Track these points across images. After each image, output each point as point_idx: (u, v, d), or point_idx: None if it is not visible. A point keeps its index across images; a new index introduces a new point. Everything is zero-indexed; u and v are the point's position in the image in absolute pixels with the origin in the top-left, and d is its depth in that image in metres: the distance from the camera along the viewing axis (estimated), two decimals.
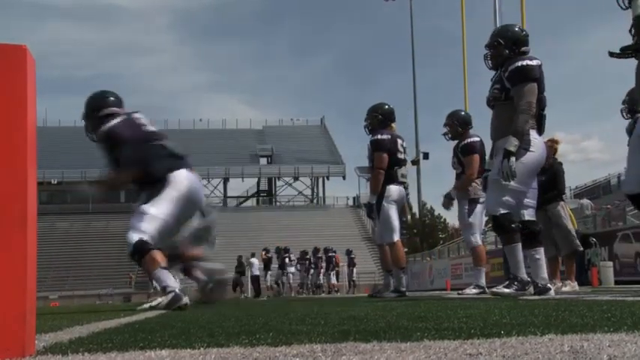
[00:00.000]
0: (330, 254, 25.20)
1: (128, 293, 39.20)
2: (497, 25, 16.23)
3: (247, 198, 63.21)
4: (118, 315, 3.93)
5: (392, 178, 6.74)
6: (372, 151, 6.94)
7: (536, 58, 4.64)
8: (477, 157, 6.83)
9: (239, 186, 62.84)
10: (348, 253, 26.82)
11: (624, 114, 6.35)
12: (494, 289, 5.03)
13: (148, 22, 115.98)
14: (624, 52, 4.43)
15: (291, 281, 25.02)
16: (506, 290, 4.76)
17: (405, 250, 8.21)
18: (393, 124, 7.14)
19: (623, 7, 4.68)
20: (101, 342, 1.69)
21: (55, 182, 53.09)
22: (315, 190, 61.69)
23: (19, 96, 1.36)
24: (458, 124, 6.96)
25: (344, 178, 60.75)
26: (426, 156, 38.46)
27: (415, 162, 39.54)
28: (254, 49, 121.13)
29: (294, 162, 59.52)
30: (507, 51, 4.75)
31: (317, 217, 51.92)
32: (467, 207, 6.83)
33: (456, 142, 6.99)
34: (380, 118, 7.02)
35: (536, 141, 4.55)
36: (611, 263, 10.87)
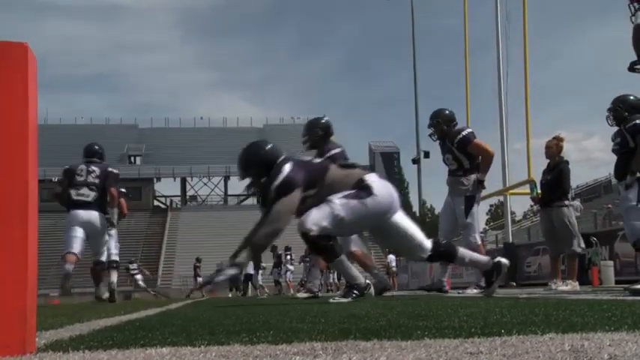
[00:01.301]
0: None
1: (129, 291, 39.18)
2: (499, 23, 16.24)
3: (248, 196, 63.00)
4: (118, 312, 3.93)
5: None
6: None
7: None
8: (478, 140, 6.84)
9: (240, 184, 62.80)
10: None
11: (609, 121, 6.36)
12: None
13: (151, 21, 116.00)
14: (636, 67, 4.37)
15: (291, 279, 25.03)
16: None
17: None
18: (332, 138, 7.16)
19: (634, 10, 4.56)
20: (102, 339, 1.69)
21: (56, 180, 53.08)
22: None
23: (19, 94, 1.36)
24: (442, 123, 6.97)
25: None
26: (426, 154, 38.31)
27: (416, 161, 39.48)
28: (255, 47, 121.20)
29: None
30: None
31: None
32: (463, 205, 6.83)
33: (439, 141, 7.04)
34: (320, 134, 7.10)
35: None
36: (611, 263, 10.88)
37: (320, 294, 8.00)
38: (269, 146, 4.78)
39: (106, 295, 8.59)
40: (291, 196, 4.41)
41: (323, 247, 4.50)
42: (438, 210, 62.93)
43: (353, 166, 4.86)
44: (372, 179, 4.59)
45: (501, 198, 19.55)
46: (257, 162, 4.64)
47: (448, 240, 7.11)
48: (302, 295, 7.10)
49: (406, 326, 1.80)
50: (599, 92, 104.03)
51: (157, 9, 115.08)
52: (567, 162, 7.42)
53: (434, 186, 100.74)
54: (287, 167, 4.53)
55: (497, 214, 52.97)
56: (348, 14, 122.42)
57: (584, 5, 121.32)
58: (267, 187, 4.50)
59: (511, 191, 15.55)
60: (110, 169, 8.17)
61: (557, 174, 7.23)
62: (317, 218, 4.37)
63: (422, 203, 49.17)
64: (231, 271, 4.34)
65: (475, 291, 6.74)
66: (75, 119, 63.35)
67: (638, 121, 6.07)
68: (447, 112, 7.23)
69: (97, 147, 8.40)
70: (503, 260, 5.22)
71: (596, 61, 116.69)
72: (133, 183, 57.41)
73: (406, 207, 60.05)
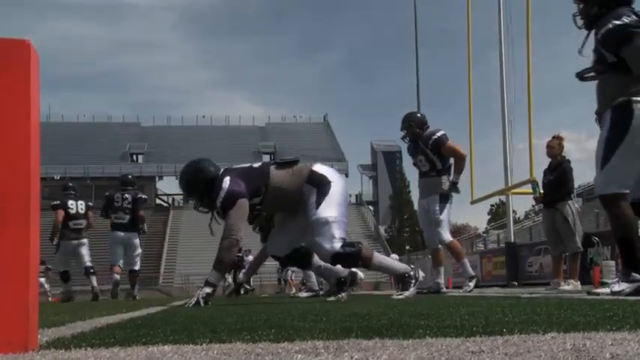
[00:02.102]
0: None
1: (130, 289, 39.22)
2: (502, 24, 16.22)
3: None
4: (120, 310, 3.94)
5: None
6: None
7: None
8: (452, 142, 6.95)
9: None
10: None
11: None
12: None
13: (154, 19, 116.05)
14: (585, 76, 4.32)
15: (292, 277, 25.01)
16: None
17: (408, 248, 8.37)
18: None
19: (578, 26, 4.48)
20: (104, 337, 1.69)
21: (58, 178, 53.14)
22: None
23: (22, 91, 1.36)
24: (415, 126, 7.08)
25: (347, 175, 60.72)
26: None
27: None
28: (258, 46, 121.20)
29: None
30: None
31: None
32: (438, 203, 6.91)
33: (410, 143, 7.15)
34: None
35: None
36: (613, 262, 10.83)
37: (321, 292, 8.02)
38: (206, 164, 4.93)
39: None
40: (237, 206, 4.61)
41: (351, 254, 4.64)
42: None
43: (292, 162, 4.92)
44: (321, 169, 4.81)
45: (503, 197, 19.55)
46: (198, 182, 4.82)
47: (434, 248, 7.22)
48: (304, 294, 7.13)
49: (408, 325, 1.80)
50: None
51: (161, 7, 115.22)
52: (569, 161, 7.40)
53: None
54: (227, 181, 4.69)
55: (498, 214, 52.93)
56: (351, 13, 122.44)
57: None
58: (212, 204, 4.72)
59: (513, 191, 15.53)
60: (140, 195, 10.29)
61: (559, 173, 7.22)
62: (328, 236, 4.54)
63: None
64: (206, 290, 4.65)
65: (472, 284, 6.88)
66: (77, 117, 63.35)
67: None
68: (419, 115, 7.41)
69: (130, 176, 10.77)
70: (360, 274, 5.47)
71: None
72: None
73: (407, 206, 60.11)
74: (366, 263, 4.73)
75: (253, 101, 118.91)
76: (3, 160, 1.33)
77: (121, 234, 10.11)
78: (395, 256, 32.06)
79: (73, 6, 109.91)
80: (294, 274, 25.00)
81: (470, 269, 7.20)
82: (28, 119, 1.35)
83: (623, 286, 3.89)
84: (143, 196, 10.48)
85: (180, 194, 60.90)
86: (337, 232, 4.55)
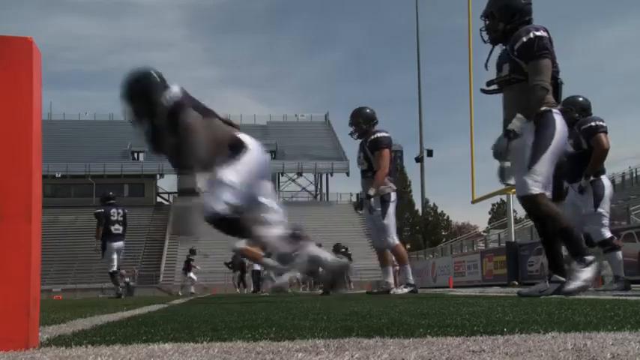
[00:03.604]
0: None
1: (131, 287, 39.25)
2: None
3: None
4: (120, 308, 3.94)
5: None
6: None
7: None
8: (387, 151, 6.75)
9: None
10: (345, 248, 26.70)
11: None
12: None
13: (157, 18, 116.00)
14: (488, 89, 4.49)
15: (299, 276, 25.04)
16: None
17: (408, 247, 8.31)
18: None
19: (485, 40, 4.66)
20: (104, 335, 1.70)
21: (59, 175, 53.17)
22: (319, 186, 61.71)
23: (24, 89, 1.36)
24: (362, 122, 6.90)
25: (348, 174, 60.67)
26: (430, 153, 38.31)
27: (419, 159, 39.44)
28: (259, 44, 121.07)
29: (297, 158, 59.47)
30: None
31: (320, 213, 51.90)
32: (380, 208, 6.75)
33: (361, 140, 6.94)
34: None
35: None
36: None
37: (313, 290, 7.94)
38: (156, 72, 4.26)
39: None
40: (189, 113, 4.02)
41: (230, 219, 4.08)
42: (440, 209, 62.95)
43: (230, 123, 4.43)
44: (245, 137, 4.31)
45: (504, 197, 19.54)
46: (146, 89, 4.16)
47: (381, 248, 7.06)
48: (402, 290, 6.98)
49: (408, 324, 1.80)
50: (606, 92, 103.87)
51: (163, 6, 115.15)
52: None
53: (437, 184, 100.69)
54: (176, 88, 4.12)
55: (499, 213, 52.93)
56: (353, 12, 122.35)
57: (590, 5, 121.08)
58: (155, 113, 4.09)
59: (514, 190, 15.54)
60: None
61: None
62: (217, 196, 4.00)
63: (425, 202, 49.16)
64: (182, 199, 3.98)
65: (406, 290, 6.78)
66: (79, 115, 63.33)
67: (592, 124, 6.23)
68: (368, 110, 7.10)
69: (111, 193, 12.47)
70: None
71: (602, 60, 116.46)
72: (135, 179, 57.55)
73: (409, 205, 60.12)
74: (245, 234, 4.44)
75: (255, 99, 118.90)
76: (5, 157, 1.33)
77: (119, 243, 11.67)
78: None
79: (76, 3, 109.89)
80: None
81: (410, 277, 7.01)
82: (30, 117, 1.35)
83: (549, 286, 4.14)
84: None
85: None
86: (228, 196, 4.03)
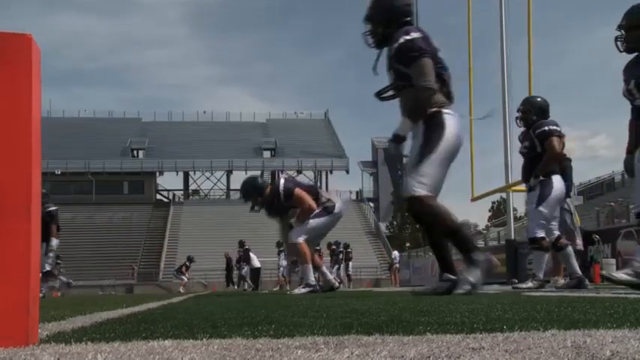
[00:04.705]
0: (340, 249, 25.39)
1: (130, 284, 39.27)
2: (503, 20, 16.18)
3: None
4: (120, 306, 3.94)
5: None
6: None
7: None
8: (300, 190, 7.28)
9: (242, 179, 62.77)
10: (345, 247, 26.80)
11: (518, 122, 6.69)
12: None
13: (158, 15, 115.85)
14: (383, 96, 4.47)
15: (284, 274, 25.11)
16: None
17: (408, 245, 8.30)
18: None
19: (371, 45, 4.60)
20: (104, 332, 1.70)
21: (59, 172, 53.18)
22: (319, 183, 61.74)
23: (23, 86, 1.35)
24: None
25: (347, 172, 60.78)
26: None
27: None
28: (259, 42, 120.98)
29: (297, 155, 59.50)
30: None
31: None
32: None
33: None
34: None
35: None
36: (613, 260, 10.86)
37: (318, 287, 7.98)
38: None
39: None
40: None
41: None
42: None
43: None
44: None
45: (504, 195, 19.55)
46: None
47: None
48: (299, 290, 7.08)
49: (408, 321, 1.80)
50: (606, 90, 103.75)
51: (165, 3, 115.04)
52: (570, 159, 7.43)
53: None
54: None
55: (499, 211, 52.94)
56: (353, 10, 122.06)
57: (590, 2, 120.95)
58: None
59: (513, 188, 15.52)
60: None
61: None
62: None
63: None
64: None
65: (304, 290, 6.98)
66: (78, 112, 63.26)
67: (546, 128, 6.32)
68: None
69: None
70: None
71: (602, 58, 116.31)
72: (135, 177, 57.58)
73: None
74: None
75: (254, 97, 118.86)
76: (3, 154, 1.32)
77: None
78: (396, 252, 32.06)
79: (77, 1, 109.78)
80: (284, 270, 24.96)
81: (311, 277, 7.18)
82: (29, 114, 1.35)
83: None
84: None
85: (180, 189, 61.10)
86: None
